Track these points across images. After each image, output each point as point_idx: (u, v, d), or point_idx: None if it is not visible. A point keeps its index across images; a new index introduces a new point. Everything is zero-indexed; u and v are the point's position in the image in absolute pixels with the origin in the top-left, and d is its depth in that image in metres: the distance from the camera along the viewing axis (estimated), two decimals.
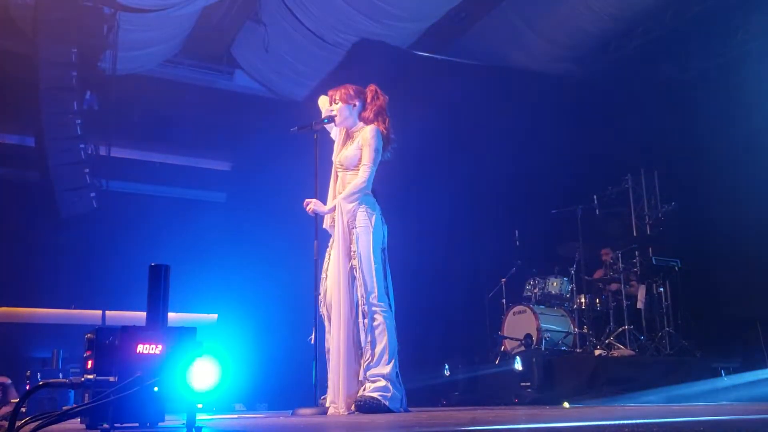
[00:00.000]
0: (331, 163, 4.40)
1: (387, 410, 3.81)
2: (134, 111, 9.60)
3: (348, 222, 4.10)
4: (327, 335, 4.12)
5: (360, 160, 4.18)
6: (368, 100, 4.35)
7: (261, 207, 9.76)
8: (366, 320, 3.98)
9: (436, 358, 7.32)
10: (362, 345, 3.99)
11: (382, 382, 3.89)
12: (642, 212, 8.06)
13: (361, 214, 4.11)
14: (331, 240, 4.24)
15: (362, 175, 4.15)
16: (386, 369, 3.91)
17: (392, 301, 4.13)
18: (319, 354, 4.13)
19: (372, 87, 4.40)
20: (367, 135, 4.21)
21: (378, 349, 3.94)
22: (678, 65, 8.28)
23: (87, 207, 7.61)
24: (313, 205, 4.25)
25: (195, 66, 9.91)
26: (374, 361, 3.92)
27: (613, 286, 7.55)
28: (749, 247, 7.11)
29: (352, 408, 3.87)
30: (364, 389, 3.89)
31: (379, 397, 3.83)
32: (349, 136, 4.37)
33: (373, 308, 3.98)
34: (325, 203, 4.29)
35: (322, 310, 4.16)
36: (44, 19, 7.56)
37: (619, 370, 6.18)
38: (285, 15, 8.62)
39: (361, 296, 4.00)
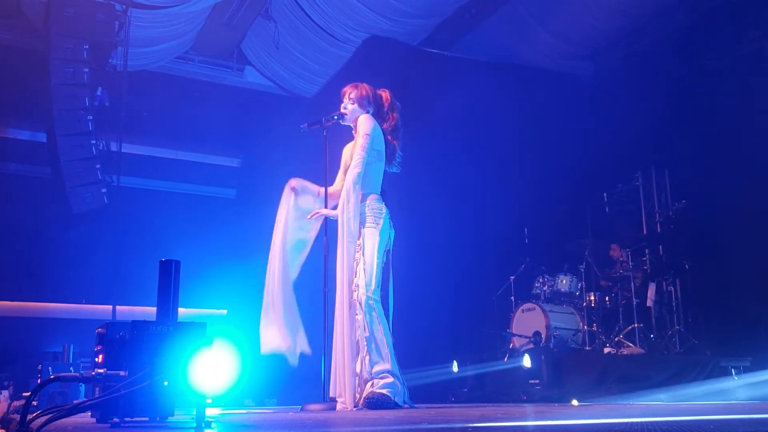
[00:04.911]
0: (339, 157, 4.40)
1: (395, 406, 3.83)
2: (145, 107, 9.65)
3: (354, 219, 4.09)
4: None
5: None
6: (385, 107, 4.34)
7: (270, 203, 9.76)
8: (360, 316, 3.99)
9: (444, 354, 7.32)
10: (358, 340, 4.00)
11: (390, 378, 3.90)
12: (652, 210, 8.03)
13: (369, 215, 4.12)
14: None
15: (354, 161, 4.15)
16: (389, 365, 3.92)
17: (391, 303, 4.14)
18: (327, 349, 4.14)
19: (387, 96, 4.38)
20: (358, 123, 4.23)
21: (375, 342, 3.95)
22: (689, 62, 8.22)
23: (98, 203, 7.65)
24: (323, 212, 4.26)
25: (205, 62, 9.94)
26: (374, 357, 3.93)
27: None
28: (760, 245, 7.07)
29: (360, 403, 3.89)
30: (372, 385, 3.90)
31: (389, 393, 3.85)
32: (354, 135, 4.38)
33: (371, 302, 3.99)
34: (334, 204, 4.30)
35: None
36: (56, 16, 7.60)
37: (629, 369, 6.15)
38: (295, 11, 8.64)
39: (362, 288, 4.00)
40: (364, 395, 3.90)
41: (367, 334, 3.96)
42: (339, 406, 3.92)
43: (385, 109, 4.34)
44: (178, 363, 2.33)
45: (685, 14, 8.22)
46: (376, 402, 3.81)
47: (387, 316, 4.08)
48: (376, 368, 3.92)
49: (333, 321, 4.13)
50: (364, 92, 4.34)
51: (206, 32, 9.19)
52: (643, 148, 8.27)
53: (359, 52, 8.58)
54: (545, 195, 8.27)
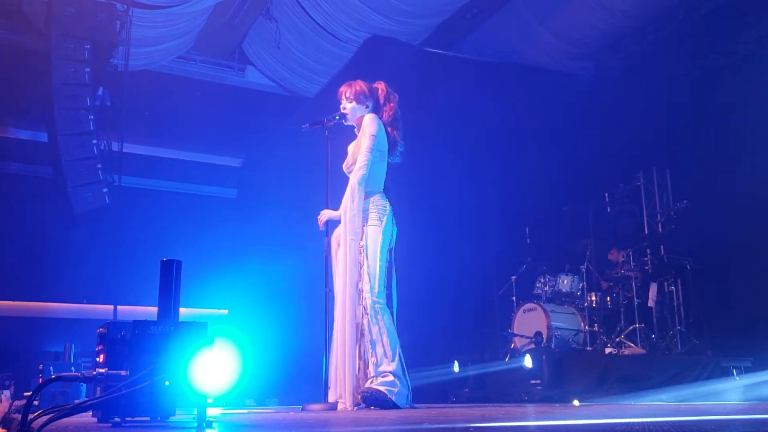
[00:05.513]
0: (341, 157, 4.40)
1: (393, 405, 3.82)
2: (146, 107, 9.66)
3: (358, 215, 4.10)
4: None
5: None
6: (381, 100, 4.35)
7: (272, 203, 9.79)
8: (365, 319, 3.98)
9: (445, 354, 7.33)
10: (360, 341, 4.00)
11: (390, 378, 3.90)
12: (654, 210, 8.02)
13: (373, 212, 4.12)
14: (336, 235, 4.24)
15: (358, 164, 4.15)
16: (392, 366, 3.92)
17: (395, 302, 4.14)
18: (329, 349, 4.14)
19: (382, 87, 4.39)
20: (363, 123, 4.23)
21: (379, 346, 3.94)
22: (691, 62, 8.22)
23: (99, 202, 7.65)
24: (325, 215, 4.26)
25: (207, 62, 9.95)
26: (378, 358, 3.93)
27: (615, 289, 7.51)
28: (762, 245, 7.06)
29: (359, 402, 3.89)
30: (372, 382, 3.90)
31: (386, 391, 3.84)
32: (357, 133, 4.39)
33: (375, 306, 3.98)
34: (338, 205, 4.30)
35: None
36: (57, 15, 7.61)
37: (630, 369, 6.16)
38: (296, 11, 8.64)
39: (366, 292, 4.00)
40: (361, 390, 3.90)
41: (372, 338, 3.95)
42: (340, 406, 3.92)
43: (381, 102, 4.35)
44: (180, 363, 2.33)
45: (686, 14, 8.22)
46: (371, 398, 3.81)
47: (391, 316, 4.08)
48: (380, 369, 3.92)
49: (333, 321, 4.13)
50: (358, 88, 4.35)
51: (207, 32, 9.20)
52: (645, 148, 8.26)
53: (361, 52, 8.58)
54: (547, 195, 8.27)
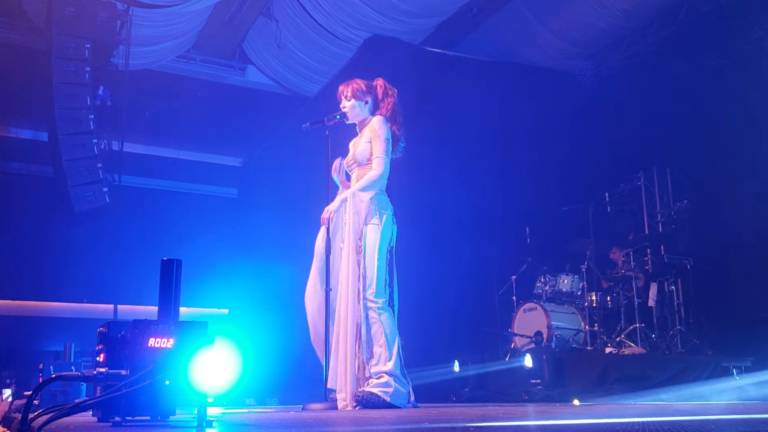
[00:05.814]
0: (341, 157, 4.40)
1: (388, 405, 3.82)
2: (147, 106, 9.66)
3: (359, 214, 4.10)
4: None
5: (371, 153, 4.19)
6: (379, 96, 4.36)
7: (272, 202, 9.79)
8: (365, 316, 3.99)
9: (446, 354, 7.33)
10: (359, 340, 4.00)
11: (384, 378, 3.90)
12: (654, 210, 8.03)
13: (373, 211, 4.12)
14: (339, 234, 4.25)
15: (377, 167, 4.14)
16: (388, 366, 3.92)
17: (396, 300, 4.14)
18: (329, 349, 4.14)
19: (381, 82, 4.40)
20: (374, 126, 4.22)
21: (377, 346, 3.95)
22: (692, 62, 8.22)
23: (100, 202, 7.65)
24: (328, 213, 4.26)
25: (207, 62, 9.95)
26: (375, 359, 3.93)
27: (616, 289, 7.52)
28: (762, 245, 7.06)
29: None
30: (368, 384, 3.90)
31: (380, 393, 3.84)
32: (359, 131, 4.38)
33: (369, 304, 3.99)
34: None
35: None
36: (58, 15, 7.61)
37: (630, 368, 6.15)
38: (297, 10, 8.65)
39: (360, 292, 4.01)
40: (355, 393, 3.91)
41: (369, 338, 3.96)
42: (340, 404, 3.92)
43: (380, 97, 4.36)
44: (180, 362, 2.33)
45: (687, 14, 8.23)
46: (364, 400, 3.81)
47: (392, 316, 4.08)
48: (375, 369, 3.92)
49: (335, 319, 4.13)
50: (356, 86, 4.36)
51: (208, 31, 9.20)
52: (645, 148, 8.27)
53: (361, 52, 8.58)
54: (547, 195, 8.27)
